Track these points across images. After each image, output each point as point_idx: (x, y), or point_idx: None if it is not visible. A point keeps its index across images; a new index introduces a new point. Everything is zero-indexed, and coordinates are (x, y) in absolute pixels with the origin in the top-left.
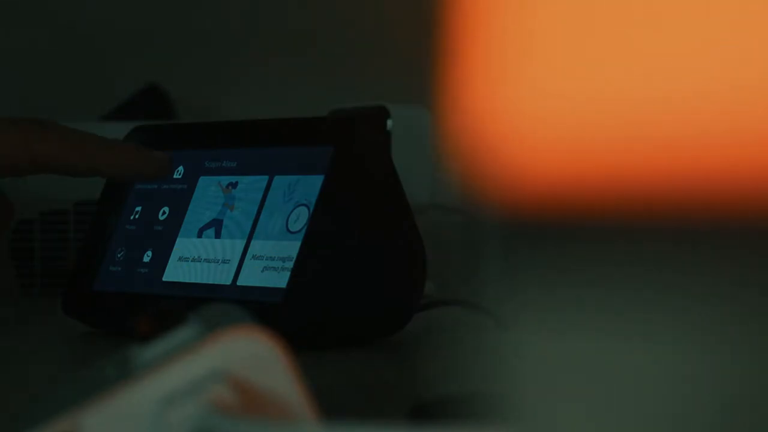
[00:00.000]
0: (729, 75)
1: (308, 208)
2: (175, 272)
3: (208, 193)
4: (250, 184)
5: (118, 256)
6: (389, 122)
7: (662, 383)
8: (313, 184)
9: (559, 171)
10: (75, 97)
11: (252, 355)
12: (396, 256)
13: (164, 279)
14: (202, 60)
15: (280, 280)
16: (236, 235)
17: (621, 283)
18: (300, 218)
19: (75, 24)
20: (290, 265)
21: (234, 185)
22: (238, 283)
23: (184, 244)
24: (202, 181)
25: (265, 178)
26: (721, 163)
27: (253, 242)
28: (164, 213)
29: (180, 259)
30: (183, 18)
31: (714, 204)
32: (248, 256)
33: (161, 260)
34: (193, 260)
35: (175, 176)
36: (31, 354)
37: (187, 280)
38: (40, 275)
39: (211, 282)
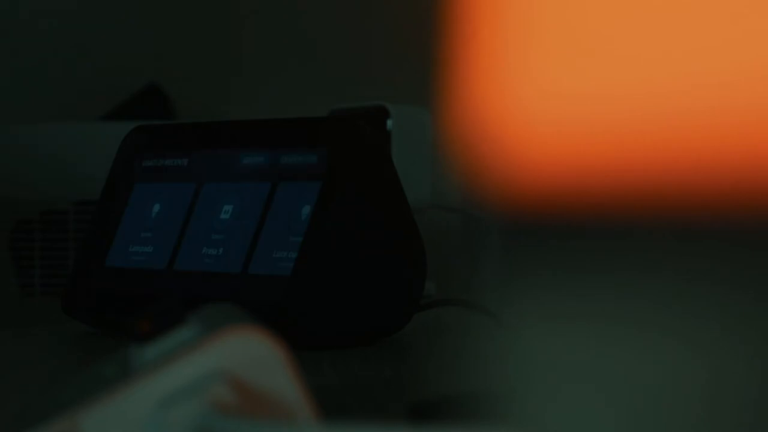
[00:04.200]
0: (731, 72)
1: (308, 209)
2: (180, 264)
3: (209, 194)
4: (250, 187)
5: (119, 253)
6: (389, 122)
7: (661, 382)
8: (313, 184)
9: (559, 170)
10: (75, 97)
11: (252, 355)
12: (396, 256)
13: (163, 276)
14: (202, 60)
15: (281, 280)
16: (238, 237)
17: (621, 282)
18: (300, 219)
19: (75, 24)
20: (291, 264)
21: (235, 187)
22: (240, 285)
23: (186, 243)
24: (206, 183)
25: (266, 180)
26: (723, 162)
27: (255, 244)
28: (164, 212)
29: (181, 255)
30: (183, 18)
31: (715, 202)
32: (250, 259)
33: (162, 257)
34: (194, 258)
35: (178, 175)
36: (31, 354)
37: (189, 278)
38: (40, 275)
39: (216, 283)
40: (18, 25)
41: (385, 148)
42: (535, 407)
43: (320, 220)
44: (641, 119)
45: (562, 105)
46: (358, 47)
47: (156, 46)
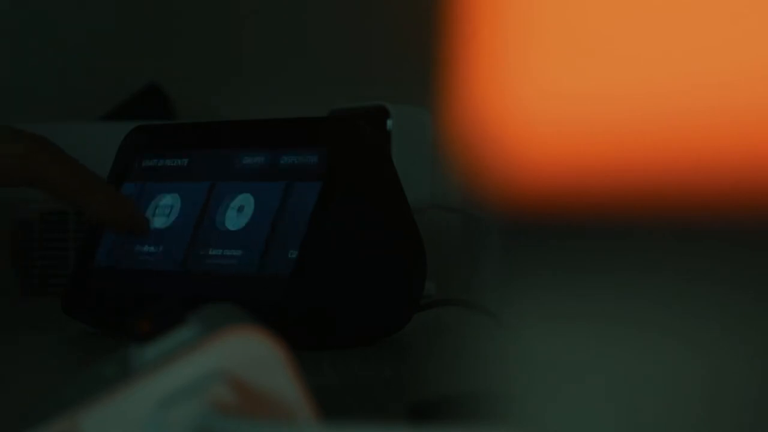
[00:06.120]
0: (731, 72)
1: (308, 209)
2: (174, 264)
3: (209, 194)
4: (250, 187)
5: (117, 250)
6: (389, 122)
7: (661, 382)
8: (313, 185)
9: (559, 170)
10: (75, 97)
11: (252, 355)
12: (396, 256)
13: (164, 277)
14: (202, 60)
15: (281, 280)
16: (235, 234)
17: (621, 282)
18: (300, 219)
19: (75, 24)
20: (291, 264)
21: (234, 188)
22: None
23: (179, 242)
24: (206, 183)
25: (266, 180)
26: (723, 162)
27: (254, 246)
28: (164, 211)
29: (180, 254)
30: (183, 18)
31: (715, 202)
32: (249, 258)
33: (162, 257)
34: (194, 258)
35: (178, 175)
36: (31, 354)
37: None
38: (39, 275)
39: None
40: (18, 25)
41: (385, 148)
42: (535, 407)
43: (320, 220)
44: (641, 119)
45: (562, 105)
46: (358, 47)
47: (156, 46)
